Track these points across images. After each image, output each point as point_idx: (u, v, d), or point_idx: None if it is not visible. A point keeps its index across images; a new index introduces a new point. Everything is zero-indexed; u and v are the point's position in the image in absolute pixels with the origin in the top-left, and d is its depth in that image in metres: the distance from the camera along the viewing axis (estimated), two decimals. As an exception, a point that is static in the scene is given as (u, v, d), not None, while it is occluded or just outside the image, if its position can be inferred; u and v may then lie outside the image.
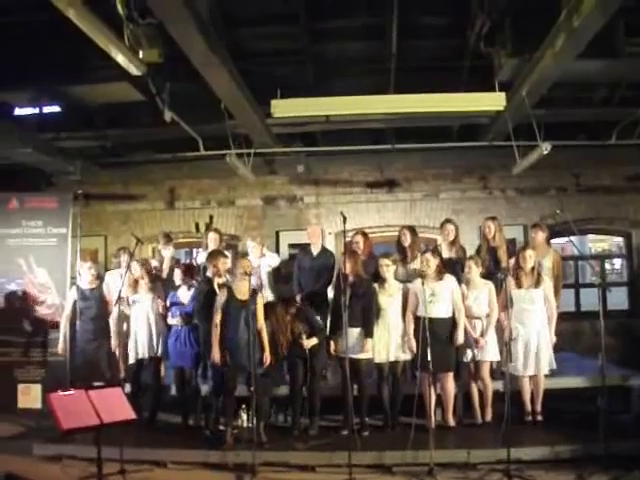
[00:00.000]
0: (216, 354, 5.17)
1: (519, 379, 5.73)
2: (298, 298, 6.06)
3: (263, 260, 6.64)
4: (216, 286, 5.57)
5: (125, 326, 6.07)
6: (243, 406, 5.62)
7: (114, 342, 6.08)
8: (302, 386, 5.63)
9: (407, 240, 6.15)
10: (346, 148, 8.02)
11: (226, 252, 6.28)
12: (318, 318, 5.70)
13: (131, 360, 5.99)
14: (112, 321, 6.09)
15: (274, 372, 5.64)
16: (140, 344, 5.98)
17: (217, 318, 5.21)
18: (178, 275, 5.99)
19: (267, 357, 5.30)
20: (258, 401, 5.18)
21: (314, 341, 5.54)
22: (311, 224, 8.15)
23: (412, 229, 6.27)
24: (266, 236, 7.74)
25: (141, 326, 6.00)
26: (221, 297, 5.26)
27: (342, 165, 8.70)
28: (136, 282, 6.11)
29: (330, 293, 6.24)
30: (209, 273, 5.78)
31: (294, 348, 5.58)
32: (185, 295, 5.93)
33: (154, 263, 6.78)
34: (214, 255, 5.84)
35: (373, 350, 5.48)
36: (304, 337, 5.50)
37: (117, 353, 6.06)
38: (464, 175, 8.69)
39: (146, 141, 7.95)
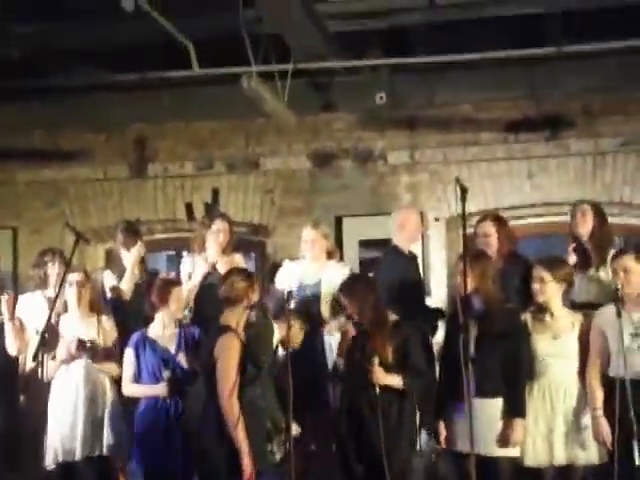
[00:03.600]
0: (244, 450, 5.04)
1: None
2: None
3: (327, 270, 6.56)
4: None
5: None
6: None
7: None
8: None
9: (587, 226, 6.06)
10: (467, 57, 7.55)
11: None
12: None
13: (49, 462, 5.73)
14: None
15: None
16: (71, 432, 5.78)
17: (231, 385, 5.12)
18: (157, 300, 5.83)
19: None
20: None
21: (395, 380, 5.35)
22: (402, 204, 7.94)
23: (597, 208, 6.19)
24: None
25: (77, 395, 5.83)
26: (236, 348, 5.22)
27: (460, 91, 8.09)
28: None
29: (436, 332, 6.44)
30: (229, 312, 5.41)
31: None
32: (167, 337, 5.80)
33: (108, 280, 6.66)
34: (241, 276, 5.56)
35: (524, 443, 5.18)
36: (375, 366, 5.34)
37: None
38: None
39: (92, 48, 7.61)
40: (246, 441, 5.07)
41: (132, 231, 6.73)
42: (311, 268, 6.49)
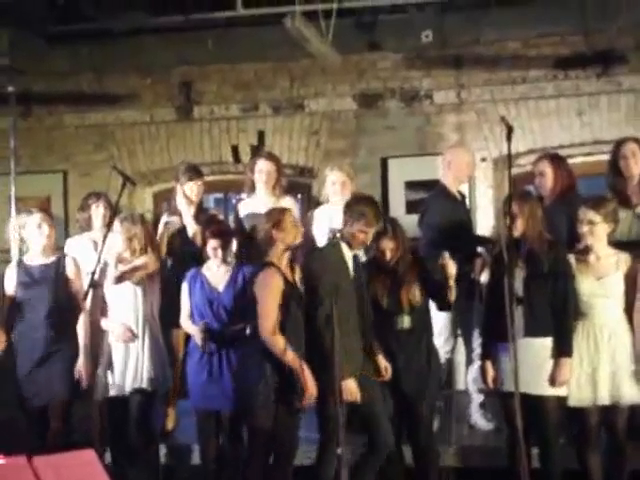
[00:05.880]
0: (309, 381, 5.13)
1: None
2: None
3: None
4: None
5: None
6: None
7: (82, 357, 5.98)
8: (397, 442, 5.49)
9: (634, 163, 5.97)
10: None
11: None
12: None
13: (111, 391, 5.89)
14: (82, 321, 6.02)
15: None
16: (130, 365, 5.86)
17: (272, 322, 5.17)
18: (212, 240, 5.83)
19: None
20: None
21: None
22: (449, 144, 7.77)
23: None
24: (361, 167, 7.23)
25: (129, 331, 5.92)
26: (278, 282, 5.29)
27: (507, 27, 7.99)
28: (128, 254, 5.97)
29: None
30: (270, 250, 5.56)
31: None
32: (219, 276, 5.78)
33: (169, 221, 6.68)
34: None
35: (570, 382, 5.16)
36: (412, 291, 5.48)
37: (84, 375, 5.97)
38: None
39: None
40: (299, 361, 5.08)
41: (195, 172, 6.71)
42: (340, 211, 6.31)
